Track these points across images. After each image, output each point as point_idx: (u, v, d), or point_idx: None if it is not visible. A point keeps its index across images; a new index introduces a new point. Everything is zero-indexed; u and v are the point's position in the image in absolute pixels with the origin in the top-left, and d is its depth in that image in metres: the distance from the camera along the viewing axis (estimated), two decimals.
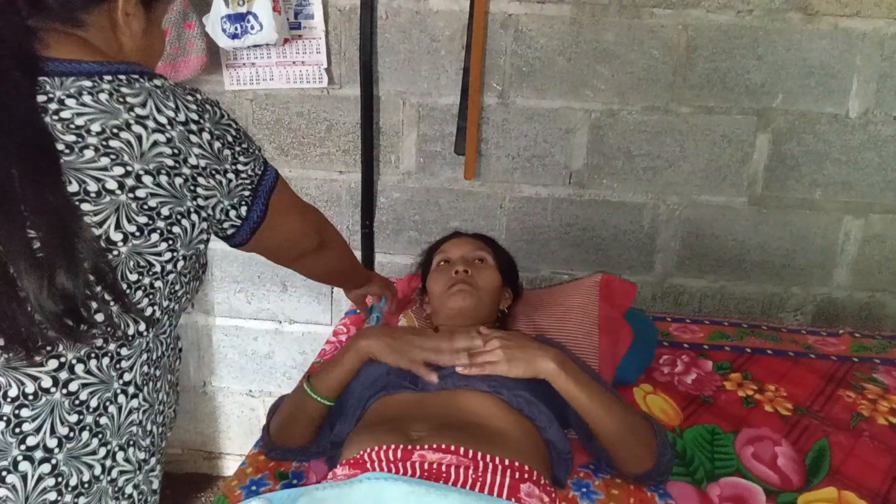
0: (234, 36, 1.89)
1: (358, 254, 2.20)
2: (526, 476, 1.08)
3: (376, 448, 1.11)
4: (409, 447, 1.10)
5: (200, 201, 0.91)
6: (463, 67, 2.00)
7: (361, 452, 1.12)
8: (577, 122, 2.03)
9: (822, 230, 2.07)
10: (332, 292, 2.28)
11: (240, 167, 0.95)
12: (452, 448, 1.09)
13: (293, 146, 2.14)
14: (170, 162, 0.85)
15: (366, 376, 1.35)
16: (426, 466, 1.06)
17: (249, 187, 0.98)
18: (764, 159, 2.02)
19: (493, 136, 2.07)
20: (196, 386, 2.46)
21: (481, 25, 1.95)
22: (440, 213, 2.16)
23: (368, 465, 1.09)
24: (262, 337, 2.37)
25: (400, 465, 1.07)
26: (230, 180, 0.95)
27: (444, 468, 1.06)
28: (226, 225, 0.99)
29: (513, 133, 2.06)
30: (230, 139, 0.94)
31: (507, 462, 1.09)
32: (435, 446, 1.09)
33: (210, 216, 0.95)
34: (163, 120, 0.85)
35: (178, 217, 0.88)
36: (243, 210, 0.99)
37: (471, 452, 1.09)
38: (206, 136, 0.89)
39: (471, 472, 1.05)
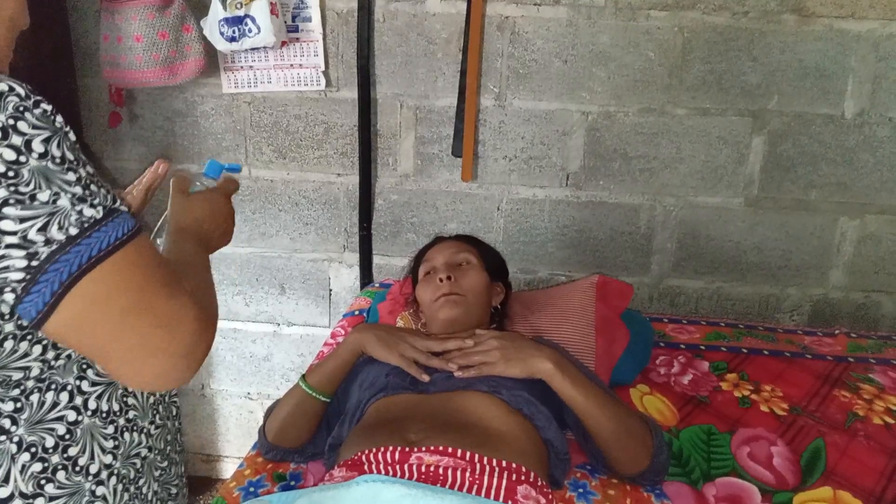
0: (232, 39, 1.90)
1: (356, 256, 2.21)
2: (523, 478, 1.09)
3: (374, 450, 1.11)
4: (407, 449, 1.10)
5: None
6: (460, 70, 2.01)
7: (359, 454, 1.13)
8: (573, 123, 2.04)
9: (817, 231, 2.08)
10: (331, 295, 2.29)
11: (6, 225, 0.63)
12: (450, 450, 1.10)
13: (291, 149, 2.15)
14: None
15: (365, 378, 1.36)
16: (423, 469, 1.07)
17: (23, 264, 0.64)
18: (760, 160, 2.03)
19: (490, 138, 2.07)
20: (194, 389, 2.46)
21: (478, 28, 1.96)
22: (438, 214, 2.16)
23: (366, 466, 1.10)
24: (260, 339, 2.38)
25: (397, 467, 1.08)
26: None
27: (441, 470, 1.06)
28: None
29: (510, 135, 2.06)
30: None
31: (504, 464, 1.09)
32: (432, 448, 1.10)
33: None
34: None
35: None
36: (8, 297, 0.66)
37: (468, 454, 1.09)
38: None
39: (468, 474, 1.06)
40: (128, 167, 2.20)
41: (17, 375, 0.74)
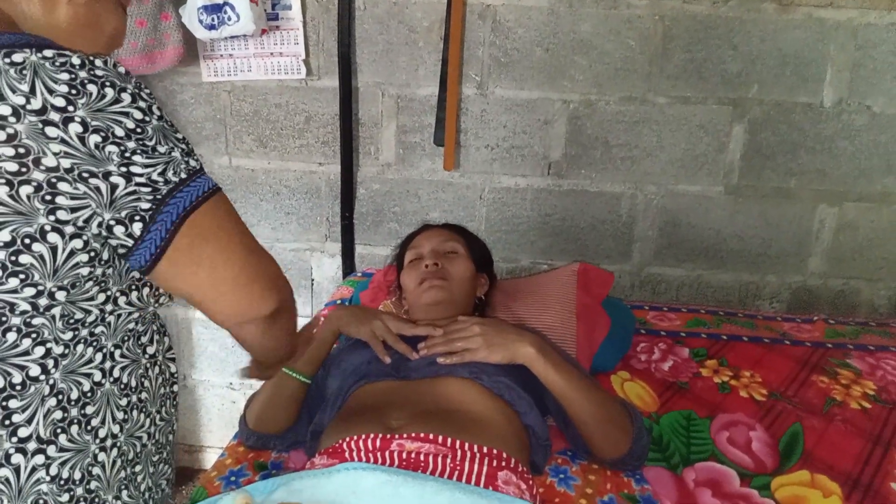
0: (211, 27, 1.88)
1: (338, 246, 2.21)
2: (503, 464, 1.09)
3: (355, 437, 1.12)
4: (388, 436, 1.11)
5: (63, 215, 0.73)
6: (441, 58, 2.00)
7: (340, 441, 1.13)
8: (555, 112, 2.04)
9: (797, 218, 2.10)
10: (313, 285, 2.28)
11: (135, 169, 0.74)
12: (431, 437, 1.10)
13: (272, 138, 2.14)
14: (11, 166, 0.69)
15: (347, 366, 1.36)
16: (404, 455, 1.07)
17: (150, 197, 0.76)
18: (740, 148, 2.04)
19: (472, 127, 2.07)
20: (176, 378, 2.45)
21: (459, 16, 1.95)
22: (420, 204, 2.16)
23: (347, 454, 1.10)
24: None
25: (378, 454, 1.08)
26: (115, 186, 0.73)
27: (422, 457, 1.07)
28: (116, 244, 0.78)
29: (492, 124, 2.06)
30: (120, 132, 0.73)
31: (485, 450, 1.10)
32: (413, 435, 1.10)
33: (84, 233, 0.75)
34: (5, 110, 0.69)
35: (26, 241, 0.73)
36: (136, 227, 0.76)
37: (449, 441, 1.10)
38: (74, 127, 0.70)
39: (448, 460, 1.06)
40: None
41: (78, 315, 0.80)
